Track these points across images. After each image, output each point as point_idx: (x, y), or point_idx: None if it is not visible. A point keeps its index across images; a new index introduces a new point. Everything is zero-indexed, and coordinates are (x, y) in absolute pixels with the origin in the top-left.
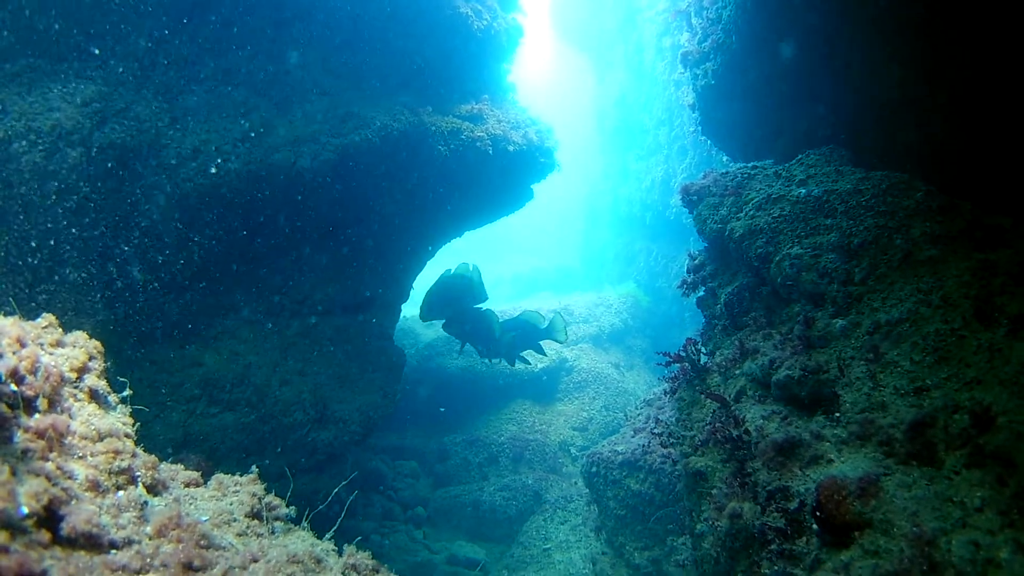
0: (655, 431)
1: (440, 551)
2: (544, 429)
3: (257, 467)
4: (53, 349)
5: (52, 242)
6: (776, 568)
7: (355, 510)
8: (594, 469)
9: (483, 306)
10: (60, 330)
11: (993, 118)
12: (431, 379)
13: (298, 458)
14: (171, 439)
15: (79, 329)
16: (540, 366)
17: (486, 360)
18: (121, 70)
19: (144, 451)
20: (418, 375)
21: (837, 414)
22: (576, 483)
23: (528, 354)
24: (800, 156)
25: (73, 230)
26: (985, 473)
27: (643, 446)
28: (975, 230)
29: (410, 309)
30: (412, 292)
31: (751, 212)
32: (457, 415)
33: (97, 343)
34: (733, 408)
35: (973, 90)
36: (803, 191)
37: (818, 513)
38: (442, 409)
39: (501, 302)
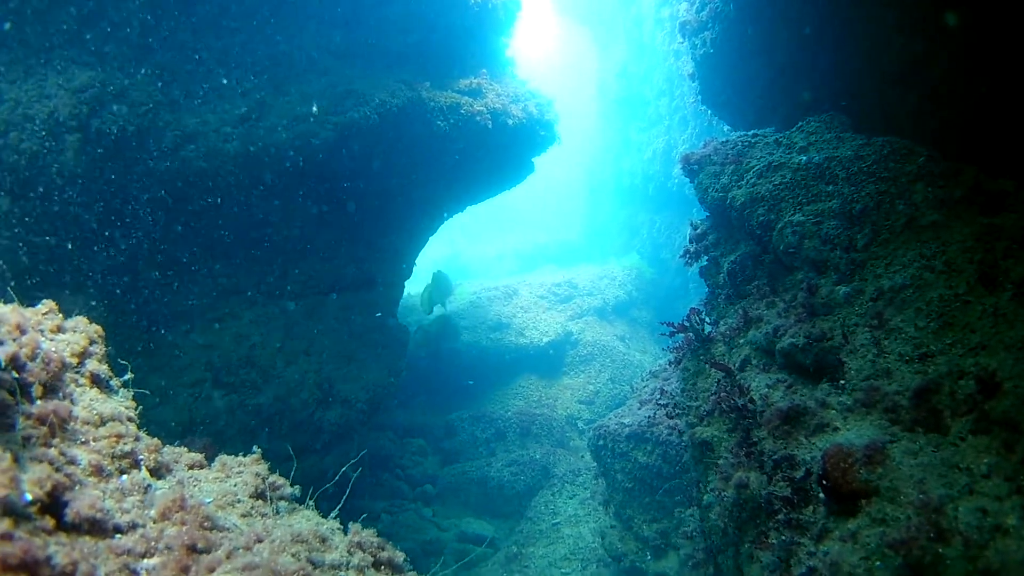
0: (661, 402)
1: (449, 528)
2: (551, 403)
3: (261, 448)
4: (54, 335)
5: (53, 229)
6: (783, 538)
7: (363, 489)
8: (601, 442)
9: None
10: (60, 316)
11: (996, 83)
12: (437, 355)
13: (305, 438)
14: (177, 422)
15: (83, 315)
16: (546, 340)
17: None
18: (117, 55)
19: (148, 435)
20: (424, 351)
21: (842, 381)
22: (584, 457)
23: (533, 328)
24: (800, 123)
25: (74, 214)
26: (991, 439)
27: (649, 418)
28: (978, 194)
29: (414, 286)
30: (415, 268)
31: (752, 180)
32: (463, 391)
33: (98, 328)
34: (738, 377)
35: (977, 56)
36: (804, 158)
37: (824, 482)
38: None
39: (504, 276)
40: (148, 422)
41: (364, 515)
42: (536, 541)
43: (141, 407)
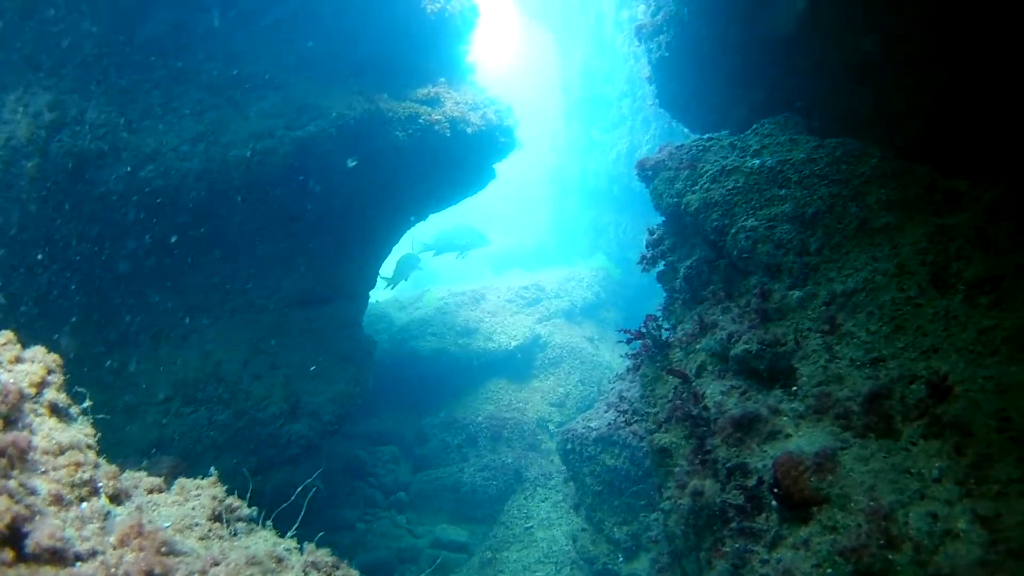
0: (620, 408)
1: (424, 535)
2: (521, 407)
3: (216, 470)
4: (12, 366)
5: (14, 256)
6: (737, 546)
7: (337, 499)
8: (569, 446)
9: None
10: (19, 346)
11: (951, 81)
12: (406, 362)
13: (274, 452)
14: (147, 440)
15: (50, 338)
16: (514, 344)
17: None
18: (74, 78)
19: (108, 462)
20: (393, 359)
21: (794, 388)
22: (554, 460)
23: (501, 332)
24: (755, 126)
25: (35, 240)
26: (943, 443)
27: (615, 421)
28: (932, 194)
29: (381, 295)
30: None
31: (706, 185)
32: (433, 397)
33: (56, 357)
34: (694, 384)
35: (931, 54)
36: (757, 162)
37: (776, 490)
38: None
39: (472, 281)
40: (118, 441)
41: (343, 526)
42: (510, 545)
43: (100, 434)
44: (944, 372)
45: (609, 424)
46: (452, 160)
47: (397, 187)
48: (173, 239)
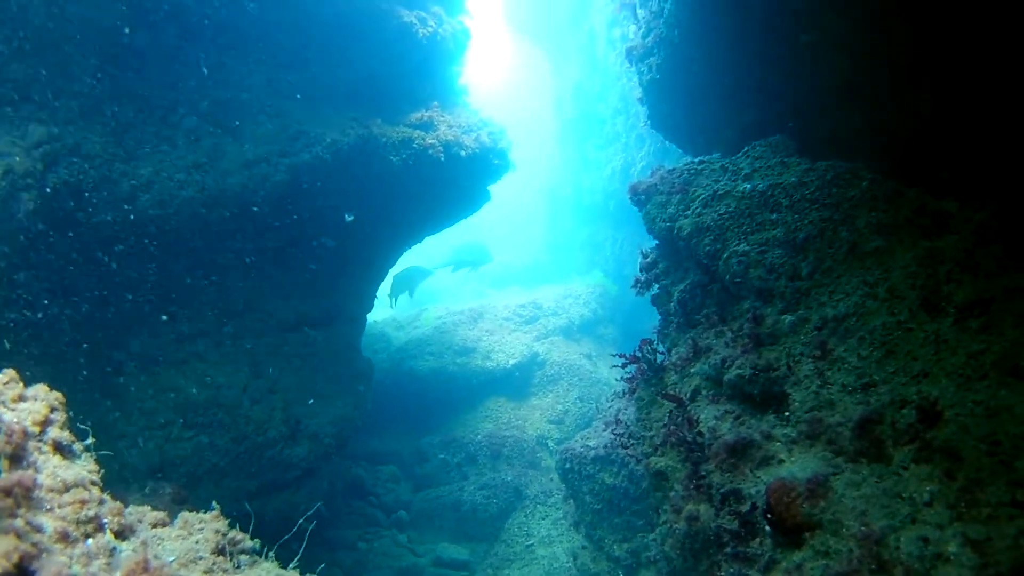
0: (617, 431)
1: (425, 554)
2: (520, 425)
3: (218, 496)
4: (15, 404)
5: (14, 286)
6: (732, 570)
7: (338, 518)
8: (568, 465)
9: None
10: (21, 384)
11: (939, 102)
12: (404, 381)
13: (275, 475)
14: (149, 465)
15: (50, 369)
16: (512, 362)
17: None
18: (69, 109)
19: (111, 494)
20: (391, 378)
21: (787, 413)
22: (553, 477)
23: (499, 350)
24: (746, 148)
25: (33, 272)
26: (933, 467)
27: (613, 440)
28: (921, 216)
29: (380, 315)
30: (376, 300)
31: (698, 209)
32: (433, 416)
33: (58, 395)
34: (689, 408)
35: (919, 75)
36: (748, 186)
37: (769, 515)
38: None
39: (469, 299)
40: (121, 466)
41: (344, 547)
42: (511, 563)
43: (103, 462)
44: (934, 397)
45: (606, 445)
46: (447, 183)
47: (392, 211)
48: (171, 266)
